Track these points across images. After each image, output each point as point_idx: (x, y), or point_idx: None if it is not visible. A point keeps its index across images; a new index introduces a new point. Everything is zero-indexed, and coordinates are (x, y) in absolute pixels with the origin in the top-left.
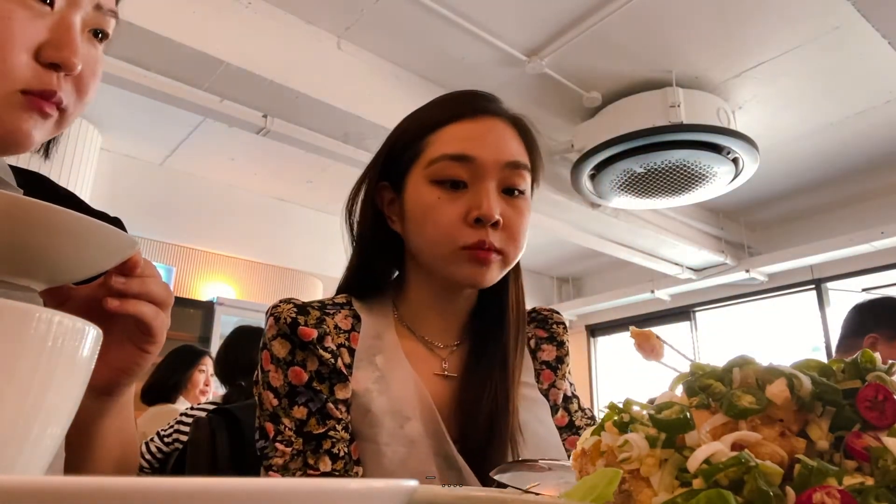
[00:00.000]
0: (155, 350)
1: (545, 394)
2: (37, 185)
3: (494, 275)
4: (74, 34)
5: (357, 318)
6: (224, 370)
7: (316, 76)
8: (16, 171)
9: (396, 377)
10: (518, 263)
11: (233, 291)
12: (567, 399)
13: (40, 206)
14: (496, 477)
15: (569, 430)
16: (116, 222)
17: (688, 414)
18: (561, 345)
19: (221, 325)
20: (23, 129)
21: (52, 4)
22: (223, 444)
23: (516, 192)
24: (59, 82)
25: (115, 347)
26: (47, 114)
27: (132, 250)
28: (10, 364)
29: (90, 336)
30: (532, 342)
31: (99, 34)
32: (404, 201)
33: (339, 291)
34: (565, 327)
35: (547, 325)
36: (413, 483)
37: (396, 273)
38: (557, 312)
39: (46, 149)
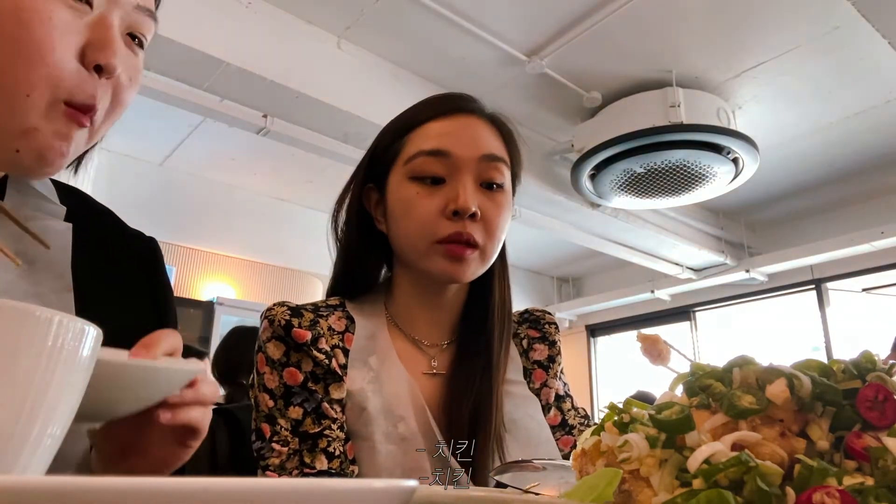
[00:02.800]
0: (198, 444)
1: (537, 392)
2: (75, 201)
3: (473, 270)
4: (114, 35)
5: (351, 319)
6: (223, 371)
7: (316, 76)
8: (54, 184)
9: (390, 377)
10: (505, 262)
11: (233, 291)
12: (560, 398)
13: (114, 365)
14: (496, 477)
15: (562, 429)
16: (151, 242)
17: (688, 414)
18: (553, 344)
19: (221, 325)
20: (58, 146)
21: (90, 4)
22: (223, 444)
23: (494, 186)
24: (100, 92)
25: (158, 445)
26: (84, 125)
27: (195, 375)
28: (10, 364)
29: (90, 336)
30: (524, 342)
31: (136, 38)
32: (387, 200)
33: (329, 294)
34: (557, 327)
35: (539, 325)
36: (413, 483)
37: (388, 275)
38: (549, 313)
39: (77, 165)
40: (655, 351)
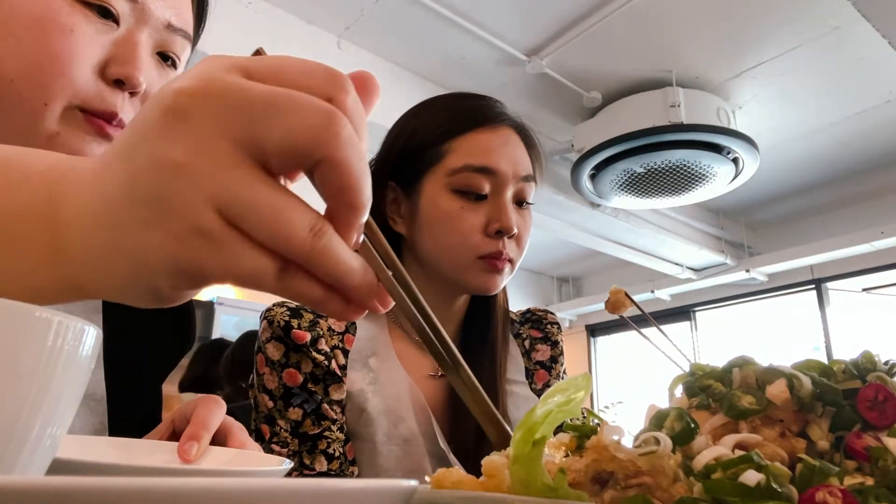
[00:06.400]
0: None
1: (539, 393)
2: None
3: (503, 282)
4: (139, 51)
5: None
6: (231, 371)
7: None
8: None
9: (390, 378)
10: None
11: (233, 291)
12: None
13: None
14: None
15: None
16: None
17: (690, 422)
18: (555, 344)
19: (221, 325)
20: (85, 151)
21: (117, 22)
22: None
23: (525, 204)
24: (122, 103)
25: None
26: (109, 136)
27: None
28: (10, 364)
29: (90, 336)
30: (527, 342)
31: (168, 59)
32: (419, 206)
33: None
34: (559, 327)
35: (541, 325)
36: (413, 483)
37: None
38: (552, 313)
39: None
40: (618, 302)
